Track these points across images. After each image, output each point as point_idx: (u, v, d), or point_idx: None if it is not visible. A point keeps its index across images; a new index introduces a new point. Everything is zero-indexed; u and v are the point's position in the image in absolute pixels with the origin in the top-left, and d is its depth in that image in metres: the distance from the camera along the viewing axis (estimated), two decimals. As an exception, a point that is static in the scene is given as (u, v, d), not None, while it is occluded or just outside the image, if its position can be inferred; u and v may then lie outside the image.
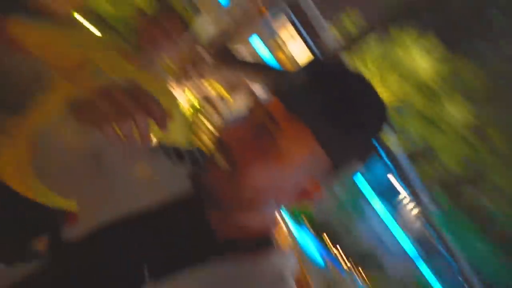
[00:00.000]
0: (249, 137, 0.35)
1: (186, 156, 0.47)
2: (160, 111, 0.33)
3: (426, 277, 13.35)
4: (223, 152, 0.36)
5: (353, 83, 0.36)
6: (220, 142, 0.36)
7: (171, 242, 0.37)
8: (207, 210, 0.39)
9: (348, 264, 7.82)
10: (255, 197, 0.37)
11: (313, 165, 0.36)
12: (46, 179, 0.51)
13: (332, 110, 0.34)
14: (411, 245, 14.83)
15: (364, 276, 6.99)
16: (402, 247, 14.52)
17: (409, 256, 14.50)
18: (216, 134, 0.37)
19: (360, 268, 7.72)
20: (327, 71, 0.36)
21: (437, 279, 14.01)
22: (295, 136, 0.35)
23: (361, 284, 7.24)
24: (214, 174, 0.36)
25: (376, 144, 0.37)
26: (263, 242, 0.40)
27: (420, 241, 15.51)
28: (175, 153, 0.48)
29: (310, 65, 0.38)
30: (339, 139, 0.35)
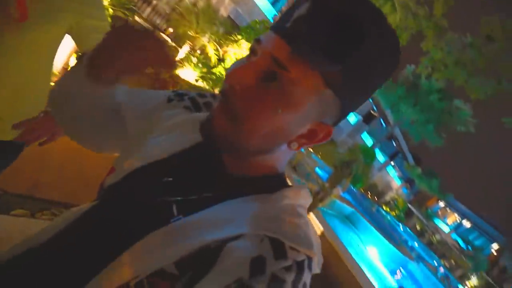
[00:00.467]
0: (254, 83, 0.34)
1: (201, 104, 0.49)
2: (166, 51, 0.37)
3: (366, 141, 16.58)
4: (230, 99, 0.35)
5: (362, 17, 0.31)
6: (226, 89, 0.35)
7: (192, 182, 0.39)
8: (221, 153, 0.40)
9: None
10: (263, 142, 0.36)
11: (321, 107, 0.35)
12: (73, 131, 0.54)
13: (340, 49, 0.31)
14: (355, 117, 17.35)
15: (315, 148, 8.31)
16: (348, 121, 17.01)
17: (353, 126, 17.24)
18: (223, 80, 0.36)
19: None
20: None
21: (372, 139, 17.35)
22: (303, 79, 0.33)
23: (314, 155, 8.56)
24: (220, 121, 0.36)
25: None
26: (276, 179, 0.41)
27: (362, 113, 18.08)
28: (191, 102, 0.49)
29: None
30: (347, 79, 0.33)
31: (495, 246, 19.83)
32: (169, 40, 6.99)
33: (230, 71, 0.35)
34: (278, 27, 0.35)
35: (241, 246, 0.33)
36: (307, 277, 0.33)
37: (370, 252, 5.96)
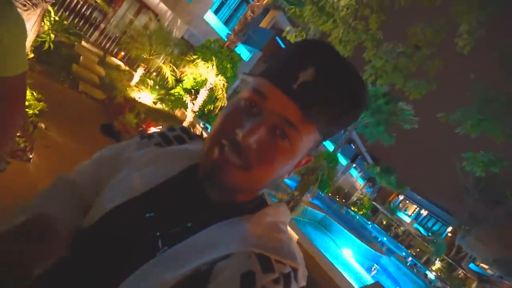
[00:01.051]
0: (266, 139, 0.37)
1: (171, 137, 0.51)
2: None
3: (328, 147, 17.39)
4: (244, 153, 0.37)
5: (357, 88, 0.37)
6: (236, 143, 0.37)
7: (175, 214, 0.40)
8: (203, 186, 0.42)
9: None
10: (269, 184, 0.40)
11: (311, 146, 0.41)
12: None
13: (342, 115, 0.38)
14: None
15: None
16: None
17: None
18: (232, 134, 0.37)
19: None
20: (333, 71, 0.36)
21: (333, 144, 18.27)
22: (308, 135, 0.38)
23: None
24: (232, 172, 0.37)
25: None
26: (257, 200, 0.44)
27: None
28: (161, 138, 0.51)
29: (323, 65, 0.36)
30: (334, 128, 0.40)
31: (449, 229, 21.90)
32: (121, 63, 6.71)
33: (246, 134, 0.36)
34: (285, 86, 0.37)
35: (231, 264, 0.34)
36: (294, 287, 0.36)
37: (345, 253, 6.14)
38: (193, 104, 5.58)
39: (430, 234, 20.22)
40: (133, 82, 6.02)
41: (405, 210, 26.08)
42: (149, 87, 6.01)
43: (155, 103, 5.96)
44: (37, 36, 2.77)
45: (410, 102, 14.08)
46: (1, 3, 0.67)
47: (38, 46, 3.67)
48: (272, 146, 0.37)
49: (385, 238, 14.74)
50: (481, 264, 18.63)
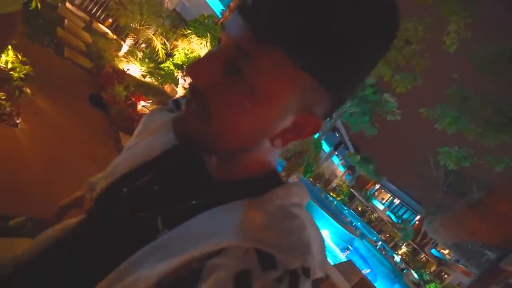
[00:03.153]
0: (219, 76, 0.30)
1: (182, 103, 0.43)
2: None
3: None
4: (196, 96, 0.31)
5: None
6: (194, 87, 0.31)
7: (175, 190, 0.37)
8: (201, 155, 0.38)
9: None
10: (239, 140, 0.32)
11: (302, 96, 0.30)
12: None
13: (309, 28, 0.26)
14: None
15: None
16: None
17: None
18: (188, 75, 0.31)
19: None
20: None
21: (318, 133, 18.68)
22: (271, 67, 0.28)
23: None
24: (191, 120, 0.32)
25: None
26: (264, 179, 0.36)
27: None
28: (174, 104, 0.47)
29: None
30: (326, 61, 0.28)
31: (417, 218, 23.56)
32: (109, 31, 6.38)
33: (190, 66, 0.31)
34: (240, 6, 0.30)
35: (223, 262, 0.29)
36: (304, 285, 0.29)
37: (323, 234, 6.53)
38: (185, 80, 5.48)
39: (400, 221, 21.65)
40: (121, 53, 5.77)
41: (382, 199, 27.54)
42: (138, 59, 5.80)
43: (144, 76, 5.79)
44: (23, -7, 2.60)
45: (395, 95, 14.49)
46: None
47: (24, 4, 3.42)
48: (224, 84, 0.30)
49: (359, 223, 15.63)
50: (441, 250, 20.36)
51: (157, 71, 6.08)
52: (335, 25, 0.27)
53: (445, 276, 18.39)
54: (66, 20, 5.11)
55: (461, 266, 16.83)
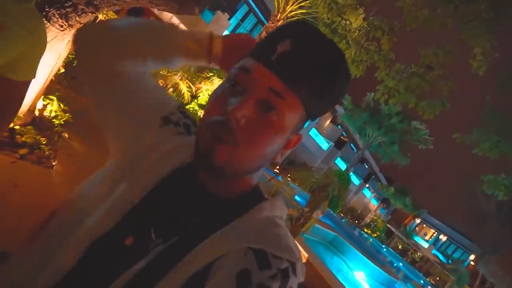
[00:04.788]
0: (255, 114, 0.37)
1: (192, 128, 0.50)
2: None
3: (340, 165, 17.15)
4: (233, 130, 0.36)
5: (334, 57, 0.39)
6: (225, 121, 0.37)
7: (172, 205, 0.41)
8: (200, 175, 0.42)
9: (278, 171, 9.41)
10: (260, 162, 0.40)
11: (298, 123, 0.40)
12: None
13: (322, 83, 0.38)
14: (327, 144, 18.11)
15: (293, 176, 8.43)
16: (321, 147, 17.67)
17: (326, 152, 17.88)
18: (221, 114, 0.37)
19: (288, 171, 9.30)
20: (311, 40, 0.38)
21: (345, 163, 17.99)
22: (294, 106, 0.38)
23: (292, 183, 8.65)
24: (223, 151, 0.37)
25: None
26: (253, 194, 0.43)
27: (334, 139, 18.93)
28: (186, 131, 0.50)
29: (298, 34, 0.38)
30: (319, 103, 0.40)
31: (472, 257, 20.51)
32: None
33: (234, 109, 0.36)
34: (265, 59, 0.38)
35: (226, 262, 0.35)
36: (292, 282, 0.35)
37: (358, 276, 5.88)
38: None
39: (450, 261, 18.99)
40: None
41: (425, 235, 24.76)
42: (166, 102, 6.26)
43: (170, 117, 6.16)
44: (70, 53, 3.03)
45: (424, 122, 13.84)
46: (35, 18, 0.80)
47: (69, 62, 3.98)
48: (259, 119, 0.37)
49: (401, 264, 13.98)
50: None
51: (182, 112, 6.46)
52: (335, 85, 0.40)
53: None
54: (105, 73, 5.77)
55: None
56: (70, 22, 2.33)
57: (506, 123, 6.14)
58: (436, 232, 24.57)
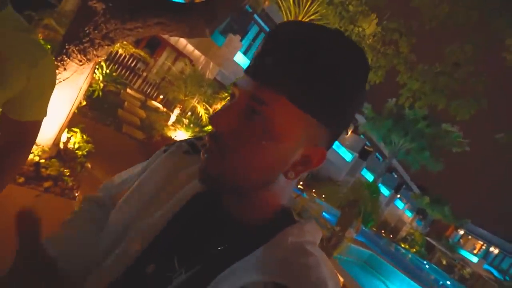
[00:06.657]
0: (237, 122, 0.35)
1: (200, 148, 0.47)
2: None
3: (367, 177, 16.35)
4: (219, 141, 0.36)
5: (311, 39, 0.34)
6: (213, 133, 0.36)
7: (195, 233, 0.40)
8: (222, 196, 0.41)
9: (302, 187, 9.09)
10: (257, 175, 0.36)
11: (309, 132, 0.35)
12: None
13: (297, 70, 0.33)
14: (351, 155, 17.48)
15: (318, 192, 8.12)
16: (345, 159, 17.06)
17: (350, 164, 17.22)
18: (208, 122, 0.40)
19: (313, 187, 9.00)
20: (300, 37, 0.34)
21: (372, 174, 17.17)
22: (281, 109, 0.34)
23: (318, 199, 8.35)
24: (213, 164, 0.36)
25: None
26: (279, 217, 0.40)
27: (357, 150, 18.28)
28: (191, 148, 0.49)
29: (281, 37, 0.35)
30: (319, 101, 0.34)
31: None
32: (160, 106, 7.33)
33: (214, 116, 0.36)
34: (247, 68, 0.38)
35: None
36: None
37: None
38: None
39: (507, 278, 16.81)
40: (170, 122, 6.44)
41: (473, 248, 22.40)
42: (184, 125, 6.37)
43: (189, 140, 6.24)
44: (89, 86, 3.15)
45: (456, 123, 12.93)
46: (38, 51, 0.71)
47: (90, 95, 4.15)
48: (243, 127, 0.35)
49: (448, 282, 12.60)
50: None
51: (201, 134, 6.54)
52: (318, 63, 0.34)
53: None
54: (126, 102, 6.03)
55: None
56: (88, 56, 2.41)
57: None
58: (485, 244, 22.05)
